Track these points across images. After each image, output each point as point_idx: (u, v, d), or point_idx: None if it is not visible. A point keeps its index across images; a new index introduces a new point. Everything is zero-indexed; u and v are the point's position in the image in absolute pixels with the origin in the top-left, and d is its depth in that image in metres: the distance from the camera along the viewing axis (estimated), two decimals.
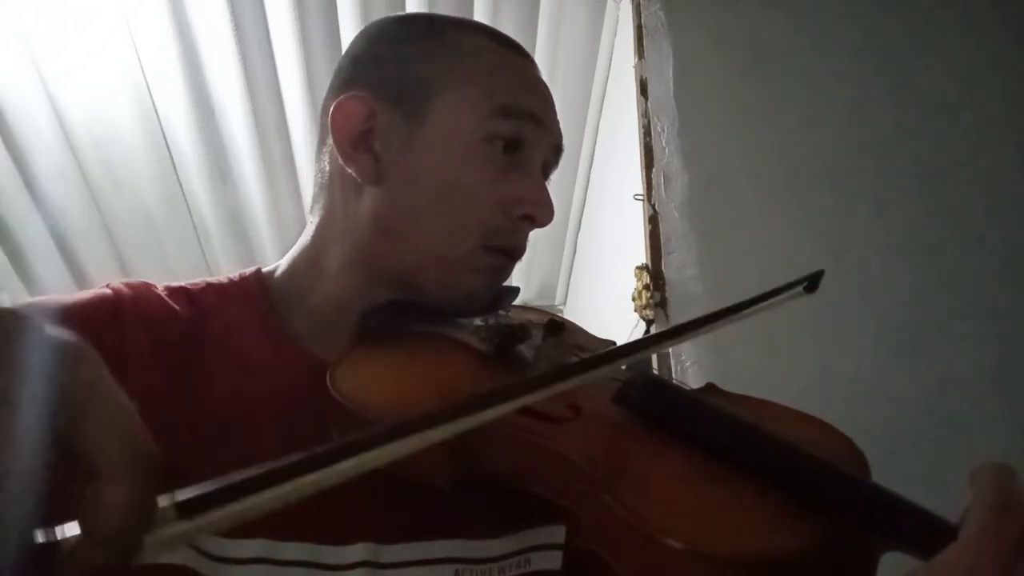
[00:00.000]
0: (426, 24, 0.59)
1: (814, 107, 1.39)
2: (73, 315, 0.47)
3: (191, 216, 2.13)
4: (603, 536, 0.38)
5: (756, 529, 0.36)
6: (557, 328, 0.56)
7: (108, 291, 0.51)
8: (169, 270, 2.22)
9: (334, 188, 0.57)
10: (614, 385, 0.48)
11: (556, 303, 2.99)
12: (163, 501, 0.25)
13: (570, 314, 2.96)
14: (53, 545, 0.23)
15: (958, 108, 1.38)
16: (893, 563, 0.36)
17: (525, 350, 0.53)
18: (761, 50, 1.43)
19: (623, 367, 0.53)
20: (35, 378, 0.24)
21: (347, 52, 0.59)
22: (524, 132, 0.54)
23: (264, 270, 0.59)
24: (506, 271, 0.58)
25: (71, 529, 0.24)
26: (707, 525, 0.36)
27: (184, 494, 0.25)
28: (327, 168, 0.58)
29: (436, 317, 0.55)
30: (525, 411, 0.43)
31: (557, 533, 0.51)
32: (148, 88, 1.81)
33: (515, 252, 0.57)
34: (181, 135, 1.92)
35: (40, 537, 0.23)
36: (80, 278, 2.18)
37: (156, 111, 1.86)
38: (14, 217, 2.01)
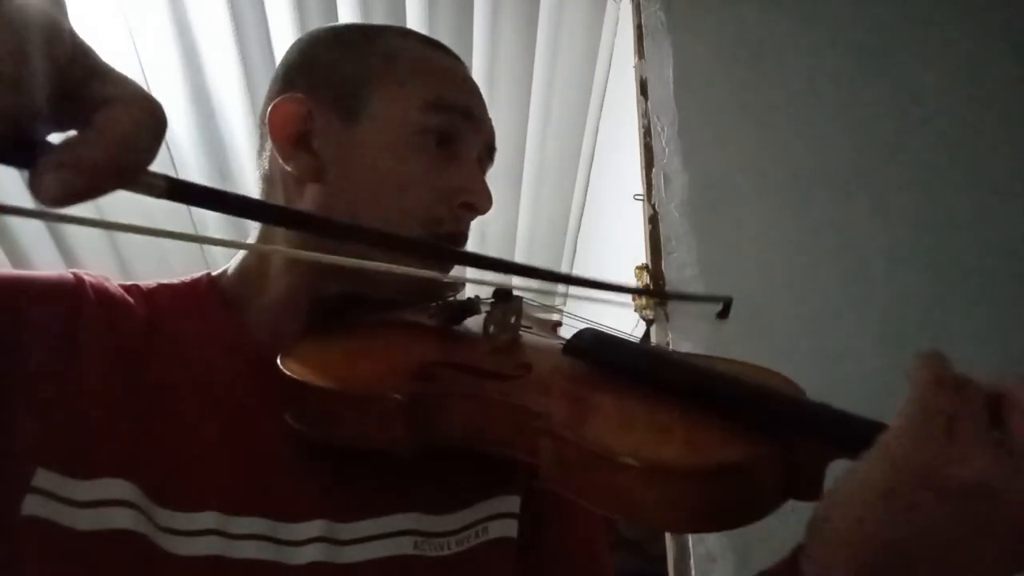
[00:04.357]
0: (358, 30, 0.62)
1: (814, 107, 1.39)
2: (32, 289, 0.48)
3: (191, 216, 2.13)
4: (565, 474, 0.40)
5: (707, 444, 0.40)
6: (505, 296, 0.58)
7: (70, 276, 0.52)
8: (169, 270, 2.22)
9: (275, 188, 0.59)
10: (559, 341, 0.52)
11: (555, 302, 2.99)
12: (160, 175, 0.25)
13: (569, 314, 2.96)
14: (42, 146, 0.22)
15: (958, 108, 1.38)
16: None
17: (475, 320, 0.57)
18: (761, 50, 1.43)
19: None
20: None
21: (281, 61, 0.61)
22: (457, 126, 0.57)
23: (213, 273, 0.61)
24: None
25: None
26: (662, 444, 0.40)
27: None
28: (268, 170, 0.59)
29: (386, 307, 0.57)
30: (479, 373, 0.47)
31: (513, 503, 0.54)
32: (148, 88, 1.81)
33: (458, 240, 0.59)
34: (181, 135, 1.92)
35: (41, 133, 0.22)
36: None
37: None
38: (14, 217, 2.00)
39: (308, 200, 0.56)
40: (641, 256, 1.35)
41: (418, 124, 0.55)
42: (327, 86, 0.57)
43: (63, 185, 0.22)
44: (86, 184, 0.22)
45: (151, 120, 0.24)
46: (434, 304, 0.58)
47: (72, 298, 0.50)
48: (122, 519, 0.43)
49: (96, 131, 0.23)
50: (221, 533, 0.45)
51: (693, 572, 1.09)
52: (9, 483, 0.42)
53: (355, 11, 1.74)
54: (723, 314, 0.57)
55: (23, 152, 0.22)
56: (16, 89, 0.21)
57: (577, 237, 2.47)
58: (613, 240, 1.94)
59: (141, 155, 0.24)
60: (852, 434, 0.36)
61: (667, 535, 1.16)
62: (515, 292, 0.60)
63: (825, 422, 0.39)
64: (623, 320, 1.58)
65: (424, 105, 0.55)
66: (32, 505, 0.41)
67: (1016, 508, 0.30)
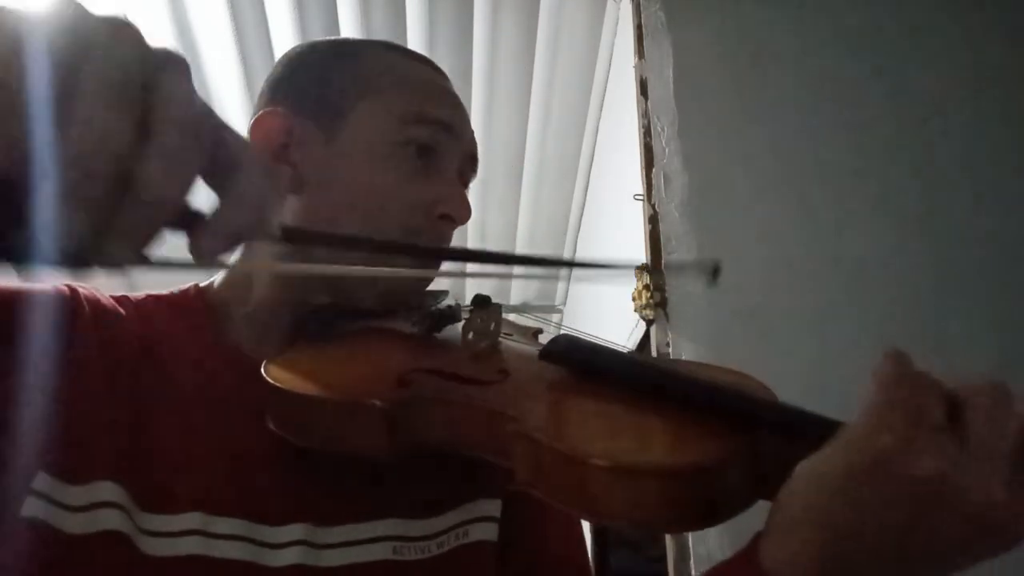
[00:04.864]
0: (340, 45, 0.63)
1: (813, 107, 1.39)
2: (28, 300, 0.49)
3: None
4: (541, 477, 0.41)
5: (678, 445, 0.40)
6: (484, 301, 0.59)
7: (64, 287, 0.53)
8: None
9: None
10: (538, 348, 0.53)
11: (556, 303, 2.99)
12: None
13: (570, 315, 2.97)
14: (197, 215, 0.27)
15: (956, 108, 1.39)
16: None
17: (455, 328, 0.58)
18: (761, 50, 1.43)
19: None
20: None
21: (267, 77, 0.62)
22: (437, 139, 0.57)
23: (201, 284, 0.62)
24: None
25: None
26: (634, 445, 0.41)
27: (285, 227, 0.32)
28: None
29: (368, 316, 0.58)
30: (458, 379, 0.48)
31: (493, 507, 0.55)
32: None
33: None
34: None
35: (190, 206, 0.27)
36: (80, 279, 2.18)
37: None
38: None
39: (288, 212, 0.57)
40: (641, 256, 1.35)
41: (397, 137, 0.56)
42: (308, 100, 0.58)
43: (218, 249, 0.27)
44: (234, 243, 0.28)
45: (271, 181, 0.29)
46: (415, 313, 0.59)
47: (67, 309, 0.51)
48: (110, 520, 0.44)
49: (237, 200, 0.28)
50: (203, 533, 0.46)
51: (693, 572, 1.09)
52: (13, 484, 0.43)
53: (355, 11, 1.74)
54: (712, 278, 0.57)
55: (183, 221, 0.27)
56: (183, 182, 0.25)
57: (577, 237, 2.48)
58: (613, 240, 1.94)
59: (271, 213, 0.29)
60: (822, 433, 0.37)
61: (667, 536, 1.16)
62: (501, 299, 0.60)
63: (794, 422, 0.40)
64: (623, 322, 1.59)
65: (404, 118, 0.56)
66: (31, 507, 0.42)
67: (965, 499, 0.32)
